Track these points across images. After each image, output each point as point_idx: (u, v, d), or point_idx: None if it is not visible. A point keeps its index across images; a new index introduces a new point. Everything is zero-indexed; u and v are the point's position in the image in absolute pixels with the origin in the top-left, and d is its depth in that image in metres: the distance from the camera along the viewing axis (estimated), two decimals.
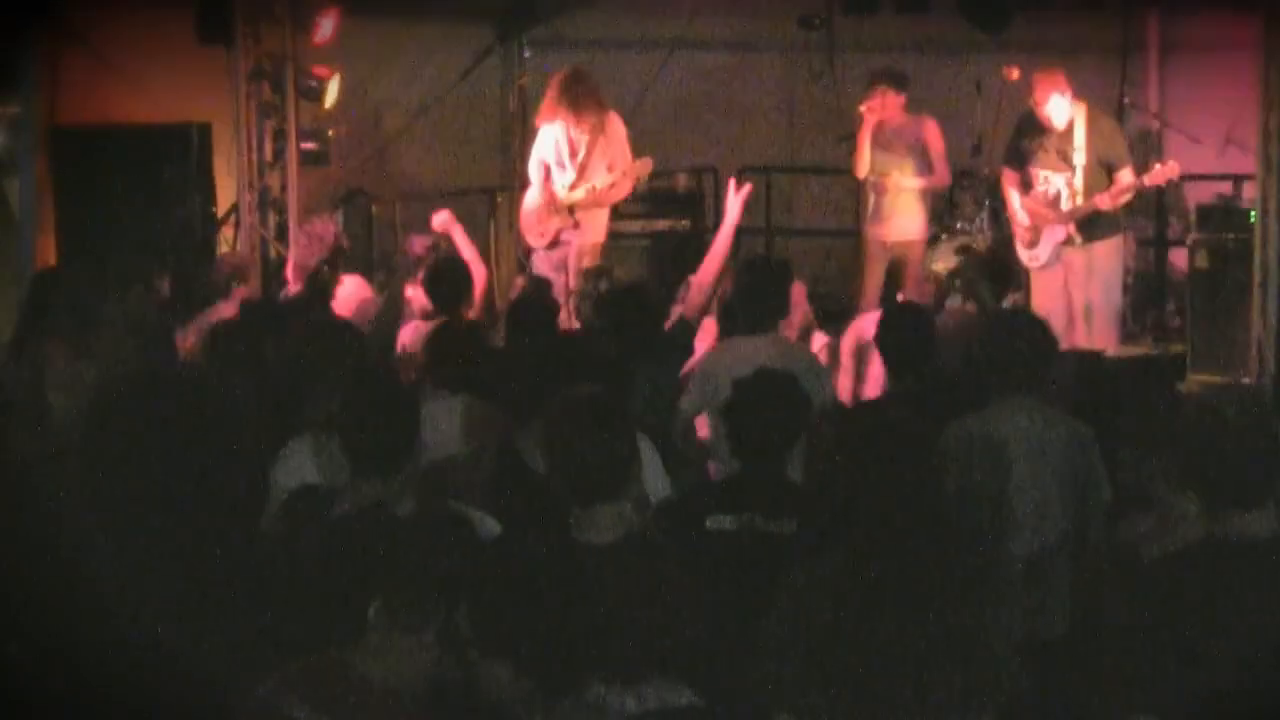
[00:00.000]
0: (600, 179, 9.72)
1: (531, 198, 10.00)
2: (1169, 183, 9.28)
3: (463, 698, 3.42)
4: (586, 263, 9.44)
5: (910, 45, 12.20)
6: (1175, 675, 3.74)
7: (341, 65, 10.71)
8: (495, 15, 12.16)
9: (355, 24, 10.82)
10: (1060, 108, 9.15)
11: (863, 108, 10.32)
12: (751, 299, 6.64)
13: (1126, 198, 9.21)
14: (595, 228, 9.91)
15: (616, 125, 9.87)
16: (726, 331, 7.05)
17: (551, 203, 9.82)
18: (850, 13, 12.02)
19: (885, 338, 6.22)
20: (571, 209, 9.79)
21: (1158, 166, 9.23)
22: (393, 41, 12.23)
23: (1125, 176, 9.16)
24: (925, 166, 10.23)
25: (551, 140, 9.88)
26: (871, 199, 10.42)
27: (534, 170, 10.02)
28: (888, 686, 3.82)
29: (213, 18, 10.32)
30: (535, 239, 9.94)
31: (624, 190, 9.87)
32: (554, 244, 9.85)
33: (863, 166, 10.34)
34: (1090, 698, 3.95)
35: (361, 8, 10.89)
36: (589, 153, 9.75)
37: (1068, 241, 9.26)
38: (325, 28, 10.41)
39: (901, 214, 10.27)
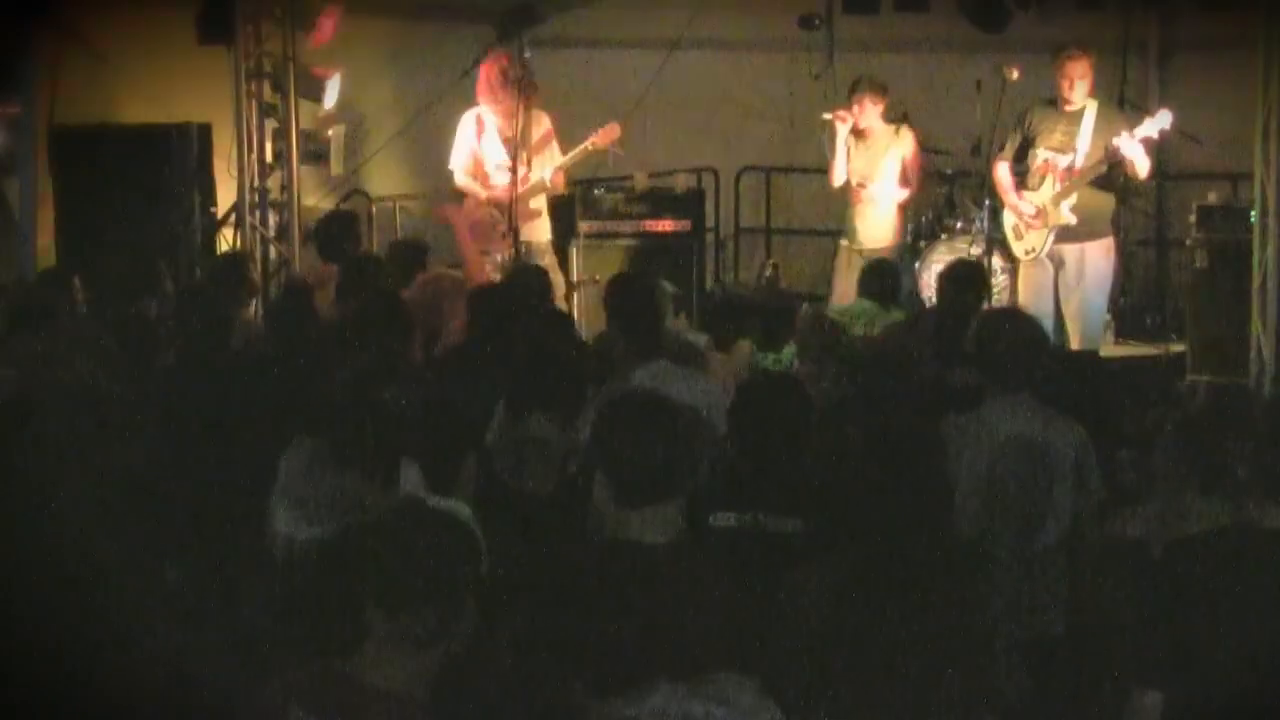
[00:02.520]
0: (554, 159, 9.50)
1: (476, 200, 9.70)
2: (1161, 134, 9.18)
3: (466, 704, 3.40)
4: (546, 261, 9.37)
5: (910, 45, 12.20)
6: (1178, 663, 3.74)
7: (341, 65, 10.71)
8: (495, 15, 12.15)
9: (355, 24, 10.82)
10: (1080, 92, 9.16)
11: (829, 115, 10.33)
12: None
13: (1112, 164, 9.13)
14: (545, 225, 9.75)
15: (543, 115, 9.69)
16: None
17: (505, 200, 9.44)
18: (850, 13, 12.04)
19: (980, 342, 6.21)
20: (520, 204, 9.46)
21: (1147, 120, 9.19)
22: (393, 41, 12.23)
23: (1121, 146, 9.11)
24: (901, 177, 10.32)
25: (487, 136, 9.63)
26: (847, 208, 10.43)
27: (468, 170, 9.73)
28: (889, 685, 3.83)
29: (213, 18, 10.32)
30: (494, 243, 9.54)
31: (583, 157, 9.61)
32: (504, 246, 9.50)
33: (838, 175, 10.35)
34: (1087, 695, 3.96)
35: (361, 8, 10.90)
36: (528, 143, 9.50)
37: (1058, 228, 9.22)
38: (325, 28, 10.41)
39: (877, 223, 10.30)
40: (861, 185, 10.29)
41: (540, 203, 9.71)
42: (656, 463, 3.99)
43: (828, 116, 10.38)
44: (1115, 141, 8.98)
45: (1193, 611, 3.79)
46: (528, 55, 9.76)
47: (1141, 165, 9.08)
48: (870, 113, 10.28)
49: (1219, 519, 3.90)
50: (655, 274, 9.05)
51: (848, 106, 10.32)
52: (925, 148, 11.02)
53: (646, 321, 6.33)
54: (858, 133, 10.30)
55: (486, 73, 9.62)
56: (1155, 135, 9.07)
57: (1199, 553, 3.88)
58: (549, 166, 9.56)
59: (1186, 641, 3.77)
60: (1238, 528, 3.87)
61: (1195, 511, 4.01)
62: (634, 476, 4.00)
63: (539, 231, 9.69)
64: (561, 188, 9.81)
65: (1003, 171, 9.56)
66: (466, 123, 9.77)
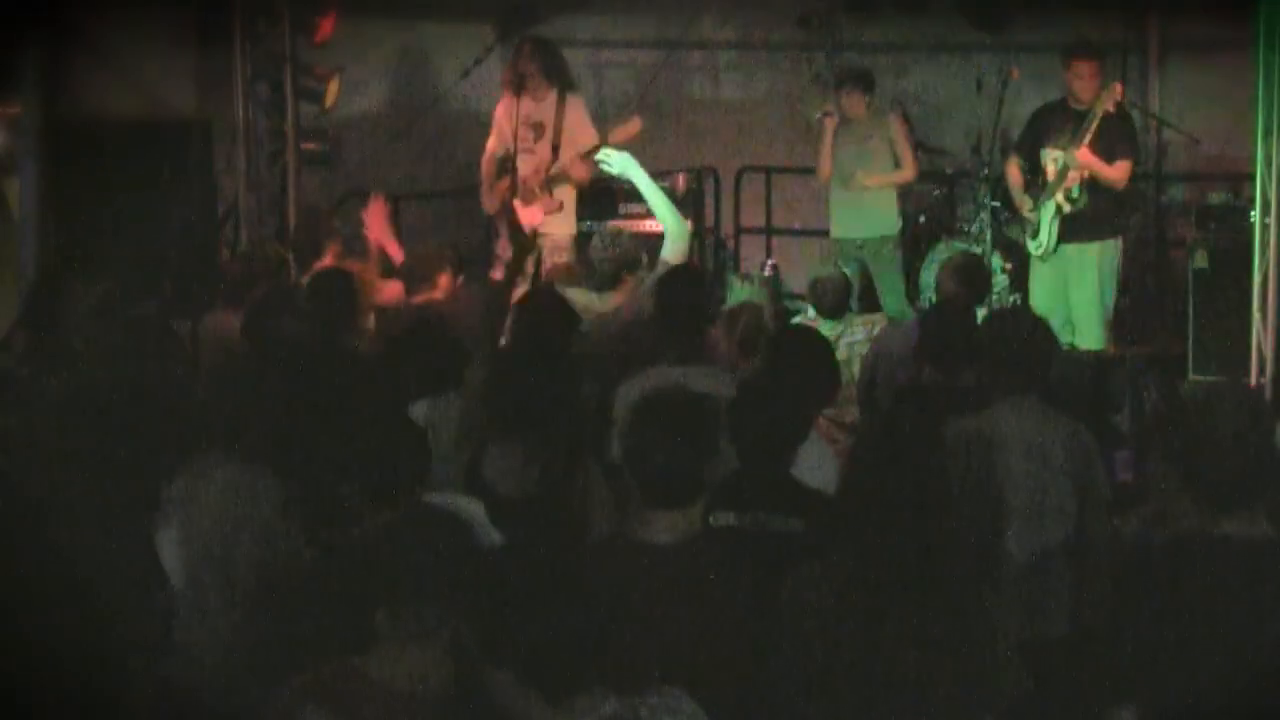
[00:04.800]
0: (582, 146, 9.07)
1: (499, 191, 9.39)
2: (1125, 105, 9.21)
3: (478, 704, 3.40)
4: (561, 259, 9.20)
5: (910, 45, 12.21)
6: (1162, 668, 3.74)
7: (341, 65, 10.71)
8: (495, 15, 12.16)
9: (355, 24, 10.82)
10: (1088, 91, 9.17)
11: (821, 113, 10.21)
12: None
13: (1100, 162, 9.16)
14: (569, 220, 9.40)
15: (577, 100, 9.46)
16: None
17: (530, 190, 9.23)
18: (850, 13, 12.05)
19: (927, 335, 6.24)
20: (551, 193, 9.23)
21: (1102, 94, 9.19)
22: (393, 41, 12.24)
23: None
24: (891, 162, 10.16)
25: (511, 124, 9.30)
26: (836, 200, 10.32)
27: (495, 161, 9.48)
28: (890, 686, 3.83)
29: (213, 17, 10.34)
30: (518, 237, 9.27)
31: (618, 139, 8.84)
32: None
33: (826, 169, 10.22)
34: (1089, 696, 3.95)
35: (361, 7, 10.90)
36: (557, 130, 9.26)
37: (1061, 217, 9.22)
38: (325, 28, 10.42)
39: (870, 211, 10.20)
40: (851, 176, 10.13)
41: (564, 194, 9.37)
42: (685, 465, 4.04)
43: (819, 116, 10.30)
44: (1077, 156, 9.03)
45: (1168, 620, 3.77)
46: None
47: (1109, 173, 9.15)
48: (857, 104, 10.11)
49: (1211, 521, 3.89)
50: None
51: (835, 102, 10.19)
52: (925, 147, 11.02)
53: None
54: (846, 122, 10.17)
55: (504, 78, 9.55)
56: (1111, 109, 9.09)
57: (1186, 555, 3.87)
58: (572, 155, 9.22)
59: (1162, 653, 3.76)
60: (1228, 532, 3.85)
61: (1182, 516, 4.00)
62: (661, 478, 4.05)
63: (559, 224, 9.35)
64: (584, 178, 9.35)
65: (1012, 171, 9.56)
66: (500, 106, 9.59)
